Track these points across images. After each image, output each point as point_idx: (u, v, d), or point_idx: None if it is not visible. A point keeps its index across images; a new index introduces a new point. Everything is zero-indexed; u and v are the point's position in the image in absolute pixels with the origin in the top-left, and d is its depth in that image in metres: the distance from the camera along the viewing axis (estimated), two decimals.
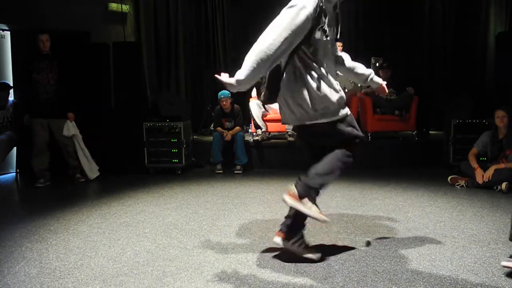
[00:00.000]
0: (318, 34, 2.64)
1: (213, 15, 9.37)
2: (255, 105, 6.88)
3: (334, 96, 2.72)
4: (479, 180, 4.97)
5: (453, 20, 8.60)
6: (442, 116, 6.85)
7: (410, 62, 8.88)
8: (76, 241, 3.40)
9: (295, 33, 2.54)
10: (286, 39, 2.52)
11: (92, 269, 2.82)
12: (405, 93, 6.86)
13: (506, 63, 6.46)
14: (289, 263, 2.84)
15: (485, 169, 4.99)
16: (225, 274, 2.70)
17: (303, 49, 2.68)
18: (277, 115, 6.99)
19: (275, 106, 7.05)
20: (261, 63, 2.50)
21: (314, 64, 2.71)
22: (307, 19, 2.55)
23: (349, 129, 2.84)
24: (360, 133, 2.90)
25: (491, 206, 4.25)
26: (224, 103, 6.54)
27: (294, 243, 2.86)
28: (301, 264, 2.83)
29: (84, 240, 3.42)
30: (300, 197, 2.77)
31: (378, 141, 6.95)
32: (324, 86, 2.70)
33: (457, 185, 5.13)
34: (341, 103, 2.78)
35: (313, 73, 2.70)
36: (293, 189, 2.79)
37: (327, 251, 3.06)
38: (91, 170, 5.89)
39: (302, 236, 2.91)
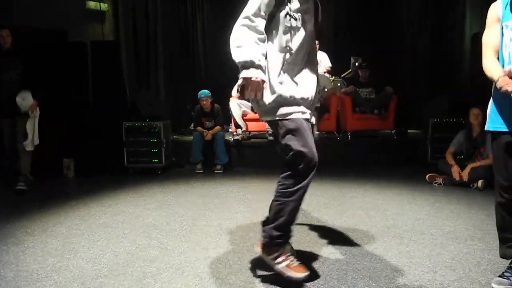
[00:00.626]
0: (282, 15, 2.43)
1: (192, 14, 9.34)
2: (235, 105, 6.88)
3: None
4: (456, 176, 5.06)
5: (430, 21, 8.74)
6: (420, 115, 6.96)
7: (389, 62, 8.99)
8: (54, 243, 3.34)
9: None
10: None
11: (71, 271, 2.78)
12: (384, 92, 6.94)
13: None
14: None
15: (462, 167, 5.09)
16: (206, 274, 2.69)
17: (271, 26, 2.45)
18: (257, 115, 7.00)
19: None
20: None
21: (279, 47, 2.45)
22: None
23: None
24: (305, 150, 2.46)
25: (468, 203, 4.33)
26: (204, 102, 6.52)
27: (275, 258, 2.49)
28: None
29: (63, 242, 3.36)
30: (267, 250, 2.50)
31: (357, 140, 7.01)
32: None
33: (435, 183, 5.21)
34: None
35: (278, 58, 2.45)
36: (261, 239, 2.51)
37: (307, 249, 3.08)
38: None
39: (283, 251, 2.53)
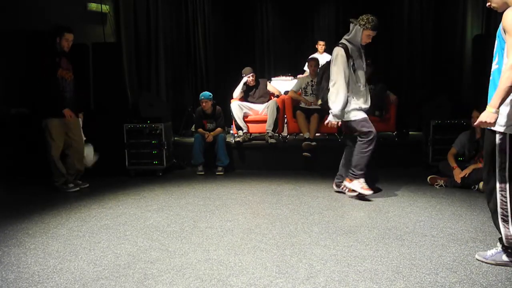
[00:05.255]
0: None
1: (193, 16, 9.36)
2: (236, 106, 6.89)
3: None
4: (457, 179, 5.05)
5: (431, 22, 8.75)
6: (421, 117, 6.94)
7: (390, 64, 9.00)
8: (55, 245, 3.34)
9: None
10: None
11: (72, 273, 2.78)
12: (377, 87, 6.86)
13: (483, 65, 6.56)
14: (271, 264, 2.85)
15: (462, 168, 5.08)
16: (207, 275, 2.69)
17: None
18: (258, 116, 7.01)
19: (256, 107, 7.14)
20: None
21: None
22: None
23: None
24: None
25: (469, 205, 4.32)
26: (204, 104, 6.52)
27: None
28: (283, 265, 2.84)
29: (64, 244, 3.37)
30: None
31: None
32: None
33: (436, 185, 5.21)
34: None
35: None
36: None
37: (309, 251, 3.08)
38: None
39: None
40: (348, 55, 4.48)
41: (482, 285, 2.49)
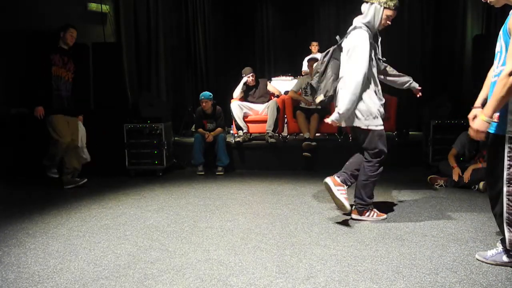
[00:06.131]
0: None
1: (193, 16, 9.36)
2: (236, 106, 6.89)
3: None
4: (455, 178, 5.05)
5: (431, 23, 8.75)
6: (421, 117, 6.95)
7: (390, 63, 8.97)
8: (56, 245, 3.34)
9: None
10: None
11: (72, 273, 2.78)
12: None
13: (483, 65, 6.57)
14: (271, 264, 2.85)
15: (463, 169, 5.08)
16: (207, 275, 2.69)
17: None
18: (258, 116, 7.01)
19: (256, 107, 7.13)
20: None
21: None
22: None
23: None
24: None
25: (469, 205, 4.32)
26: (204, 104, 6.52)
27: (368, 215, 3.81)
28: (283, 265, 2.84)
29: (64, 244, 3.37)
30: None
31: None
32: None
33: (436, 184, 5.21)
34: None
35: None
36: None
37: (309, 251, 3.08)
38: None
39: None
40: (371, 43, 3.57)
41: (482, 285, 2.49)
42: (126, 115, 6.55)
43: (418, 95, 4.17)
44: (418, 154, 6.59)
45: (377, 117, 3.61)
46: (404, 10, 8.96)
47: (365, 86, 3.56)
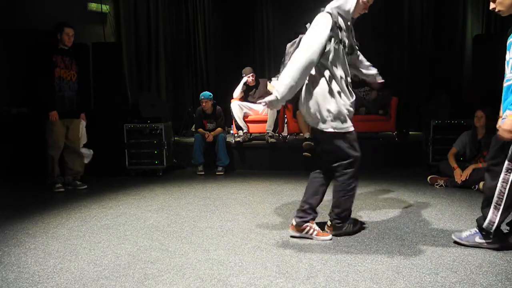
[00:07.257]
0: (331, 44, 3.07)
1: (194, 16, 9.36)
2: (236, 106, 6.90)
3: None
4: (458, 179, 5.05)
5: (431, 22, 8.75)
6: (421, 117, 6.95)
7: (390, 63, 8.99)
8: (56, 245, 3.34)
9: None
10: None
11: (72, 273, 2.78)
12: (385, 92, 6.94)
13: (483, 65, 6.58)
14: (271, 264, 2.85)
15: (463, 169, 5.08)
16: (207, 275, 2.69)
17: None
18: (258, 116, 7.01)
19: (256, 107, 7.13)
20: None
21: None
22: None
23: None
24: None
25: (469, 205, 4.32)
26: (204, 104, 6.52)
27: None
28: (283, 265, 2.84)
29: (64, 244, 3.37)
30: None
31: (358, 141, 6.98)
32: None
33: (436, 184, 5.20)
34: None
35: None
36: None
37: (309, 251, 3.08)
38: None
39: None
40: (338, 27, 3.07)
41: (482, 285, 2.48)
42: (126, 115, 6.56)
43: (377, 86, 3.94)
44: (418, 154, 6.59)
45: (346, 120, 3.12)
46: (404, 10, 8.96)
47: (332, 82, 3.08)
